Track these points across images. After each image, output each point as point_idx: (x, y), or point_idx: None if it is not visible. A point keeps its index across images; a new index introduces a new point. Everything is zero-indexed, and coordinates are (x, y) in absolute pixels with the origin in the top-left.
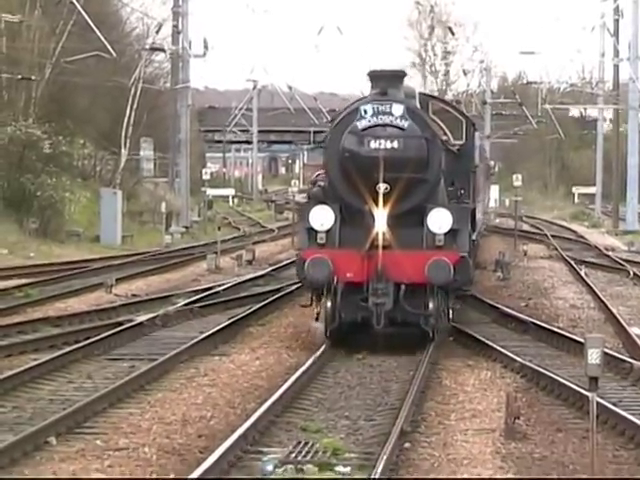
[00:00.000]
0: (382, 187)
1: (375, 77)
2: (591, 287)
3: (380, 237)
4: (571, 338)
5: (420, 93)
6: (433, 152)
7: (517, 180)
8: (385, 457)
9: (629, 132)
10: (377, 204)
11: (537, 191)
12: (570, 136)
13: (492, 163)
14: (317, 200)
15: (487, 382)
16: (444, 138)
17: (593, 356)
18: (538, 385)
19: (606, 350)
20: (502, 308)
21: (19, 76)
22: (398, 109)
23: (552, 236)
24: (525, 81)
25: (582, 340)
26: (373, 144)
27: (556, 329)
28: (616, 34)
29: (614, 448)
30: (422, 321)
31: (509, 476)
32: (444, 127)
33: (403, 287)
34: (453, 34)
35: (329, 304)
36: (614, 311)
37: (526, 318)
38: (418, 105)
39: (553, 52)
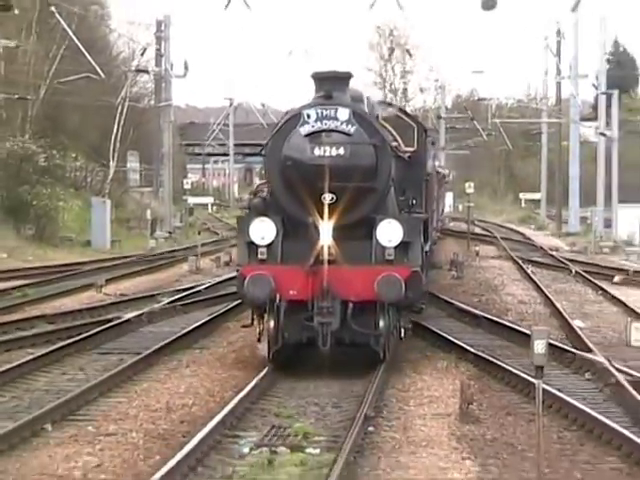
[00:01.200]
0: (327, 197)
1: (319, 79)
2: (537, 284)
3: (325, 251)
4: (519, 330)
5: (369, 98)
6: (382, 159)
7: (469, 187)
8: (351, 440)
9: (570, 144)
10: (322, 216)
11: (487, 197)
12: (517, 147)
13: (447, 172)
14: (258, 212)
15: (443, 371)
16: (394, 144)
17: (539, 347)
18: (490, 373)
19: (551, 341)
20: (457, 304)
21: (16, 96)
22: (344, 113)
23: (501, 238)
24: (476, 98)
25: (529, 332)
26: (317, 151)
27: (506, 322)
28: (558, 54)
29: (558, 430)
30: (372, 341)
31: (465, 463)
32: (395, 133)
33: (351, 305)
34: (410, 56)
35: (272, 324)
36: (558, 306)
37: (478, 312)
38: (366, 109)
39: (502, 71)
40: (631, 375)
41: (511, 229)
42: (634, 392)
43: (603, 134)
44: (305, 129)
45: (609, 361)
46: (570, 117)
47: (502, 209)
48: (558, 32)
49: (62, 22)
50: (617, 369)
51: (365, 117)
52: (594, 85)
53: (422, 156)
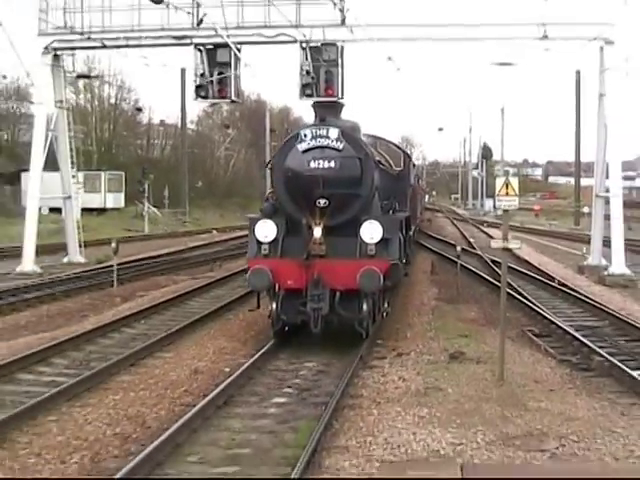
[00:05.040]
0: (321, 202)
1: (316, 106)
2: (457, 226)
3: (317, 247)
4: (452, 243)
5: (371, 135)
6: (366, 170)
7: (433, 193)
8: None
9: (469, 177)
10: (316, 217)
11: (441, 196)
12: (451, 178)
13: (426, 187)
14: (266, 215)
15: (426, 257)
16: (377, 159)
17: (458, 248)
18: (442, 258)
19: (462, 247)
20: (430, 233)
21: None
22: (334, 133)
23: (446, 210)
24: (436, 161)
25: (455, 243)
26: (313, 164)
27: (447, 240)
28: (464, 147)
29: (466, 277)
30: (356, 324)
31: (433, 289)
32: (388, 158)
33: (338, 293)
34: (413, 147)
35: (274, 307)
36: (465, 234)
37: (437, 236)
38: (362, 137)
39: (446, 151)
40: (489, 258)
41: (447, 207)
42: (491, 263)
43: (480, 174)
44: (302, 146)
45: (482, 253)
46: (469, 168)
47: (444, 200)
48: (464, 140)
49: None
50: (484, 256)
51: (352, 135)
52: (478, 157)
53: (406, 173)
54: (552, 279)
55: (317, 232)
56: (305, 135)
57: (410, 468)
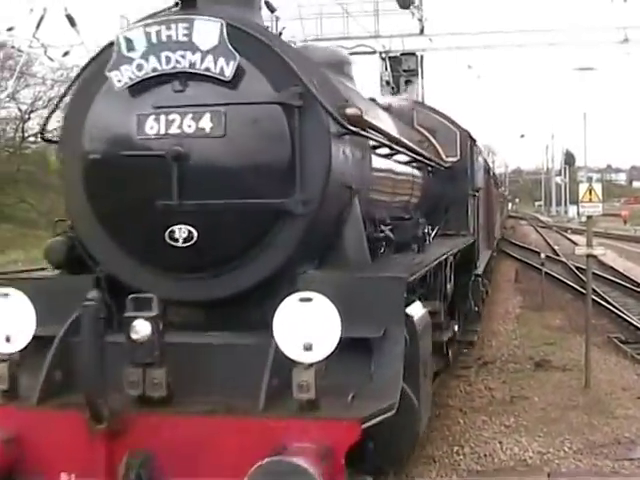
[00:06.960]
0: (177, 232)
1: None
2: (540, 233)
3: (139, 381)
4: (536, 250)
5: (407, 99)
6: (309, 139)
7: (516, 200)
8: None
9: (552, 184)
10: (162, 276)
11: (524, 203)
12: (535, 184)
13: (508, 195)
14: (53, 262)
15: (510, 265)
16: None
17: (542, 256)
18: (526, 265)
19: (547, 254)
20: (513, 241)
21: None
22: (209, 33)
23: (529, 217)
24: (518, 169)
25: (539, 250)
26: (152, 125)
27: (531, 247)
28: (546, 153)
29: (551, 285)
30: None
31: (518, 297)
32: (433, 139)
33: None
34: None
35: None
36: (549, 241)
37: (520, 244)
38: (398, 100)
39: (528, 160)
40: (573, 265)
41: (531, 214)
42: (576, 270)
43: (563, 180)
44: (124, 75)
45: (566, 260)
46: (552, 175)
47: (527, 207)
48: (546, 146)
49: None
50: (569, 263)
51: (262, 40)
52: (561, 164)
53: (465, 167)
54: (638, 285)
55: (141, 328)
56: (130, 45)
57: (497, 477)
